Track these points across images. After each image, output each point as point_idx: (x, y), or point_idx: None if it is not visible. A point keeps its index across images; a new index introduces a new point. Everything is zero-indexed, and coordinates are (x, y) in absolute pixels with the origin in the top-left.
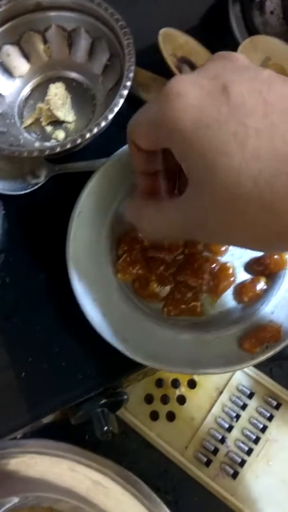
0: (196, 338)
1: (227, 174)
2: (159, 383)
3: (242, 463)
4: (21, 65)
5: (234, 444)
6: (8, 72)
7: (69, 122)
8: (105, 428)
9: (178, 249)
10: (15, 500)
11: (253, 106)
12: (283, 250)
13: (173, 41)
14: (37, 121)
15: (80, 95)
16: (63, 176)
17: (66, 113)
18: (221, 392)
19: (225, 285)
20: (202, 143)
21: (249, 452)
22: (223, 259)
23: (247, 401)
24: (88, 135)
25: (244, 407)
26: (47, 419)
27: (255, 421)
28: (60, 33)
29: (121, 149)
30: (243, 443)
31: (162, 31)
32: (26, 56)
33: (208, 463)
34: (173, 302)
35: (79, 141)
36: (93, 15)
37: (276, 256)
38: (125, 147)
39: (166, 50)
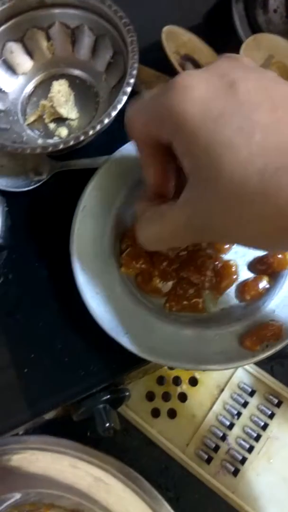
0: (197, 334)
1: (233, 168)
2: (161, 380)
3: (243, 460)
4: (25, 62)
5: (235, 441)
6: (12, 69)
7: (72, 119)
8: (107, 424)
9: None
10: (17, 496)
11: (260, 102)
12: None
13: (177, 39)
14: (40, 118)
15: (83, 92)
16: (66, 173)
17: (69, 110)
18: (222, 390)
19: (228, 282)
20: (209, 136)
21: (250, 449)
22: (226, 257)
23: (248, 398)
24: (91, 132)
25: (245, 404)
26: (49, 415)
27: (256, 418)
28: (63, 30)
29: (124, 146)
30: (244, 440)
31: (166, 28)
32: (30, 53)
33: (209, 460)
34: (175, 298)
35: (82, 138)
36: (97, 12)
37: (279, 256)
38: (129, 144)
39: (169, 47)
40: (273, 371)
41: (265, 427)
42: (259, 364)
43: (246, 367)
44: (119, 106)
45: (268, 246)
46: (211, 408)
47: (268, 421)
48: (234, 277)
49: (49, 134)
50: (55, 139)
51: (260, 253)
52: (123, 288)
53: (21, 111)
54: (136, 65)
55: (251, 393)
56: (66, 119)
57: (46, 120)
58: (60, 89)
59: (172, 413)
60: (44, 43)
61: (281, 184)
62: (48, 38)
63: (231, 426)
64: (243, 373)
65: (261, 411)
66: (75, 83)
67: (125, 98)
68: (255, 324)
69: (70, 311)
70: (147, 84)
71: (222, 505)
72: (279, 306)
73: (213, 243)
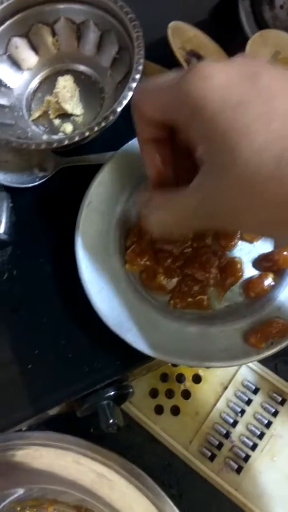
0: (202, 331)
1: (249, 154)
2: (164, 377)
3: (247, 458)
4: (30, 58)
5: (239, 439)
6: (17, 65)
7: (77, 115)
8: (111, 420)
9: (186, 242)
10: (20, 491)
11: (279, 90)
12: None
13: (182, 35)
14: (45, 114)
15: (89, 88)
16: (71, 169)
17: (74, 106)
18: (226, 387)
19: (233, 280)
20: (227, 123)
21: (254, 447)
22: (231, 254)
23: (252, 396)
24: (96, 128)
25: (249, 402)
26: (52, 411)
27: (259, 416)
28: (69, 25)
29: (130, 142)
30: (247, 438)
31: (172, 24)
32: (35, 48)
33: (212, 457)
34: (180, 295)
35: (87, 134)
36: (103, 7)
37: (285, 253)
38: (134, 140)
39: (175, 43)
40: (277, 369)
41: (268, 425)
42: (263, 361)
43: (250, 364)
44: (125, 102)
45: (278, 234)
46: (214, 405)
47: (272, 419)
48: (239, 274)
49: (54, 130)
50: (60, 135)
51: (265, 250)
52: (127, 285)
53: (26, 106)
54: (142, 60)
55: (255, 391)
56: (71, 115)
57: (51, 116)
58: (66, 85)
59: (175, 410)
60: (49, 39)
61: None
62: (53, 34)
63: (234, 424)
64: (247, 370)
65: (265, 409)
66: (80, 79)
67: (130, 93)
68: (260, 321)
69: (74, 308)
70: None
71: (225, 502)
72: (285, 303)
73: (218, 239)
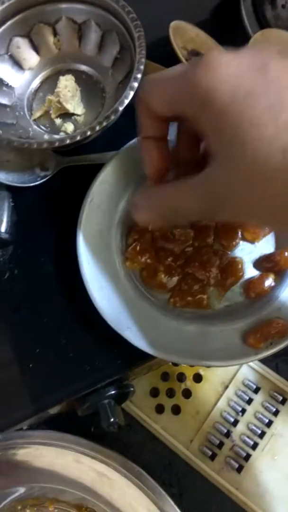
0: (201, 330)
1: (258, 145)
2: (165, 376)
3: (247, 457)
4: (31, 57)
5: (240, 438)
6: (18, 64)
7: (78, 115)
8: (111, 419)
9: (187, 241)
10: (21, 490)
11: None
12: None
13: (184, 34)
14: (46, 113)
15: (90, 88)
16: (72, 168)
17: (76, 106)
18: (227, 387)
19: (233, 280)
20: (237, 114)
21: (254, 446)
22: (232, 254)
23: (253, 395)
24: (97, 128)
25: (249, 401)
26: (53, 410)
27: (260, 415)
28: (70, 25)
29: (131, 142)
30: (248, 437)
31: (173, 24)
32: (36, 48)
33: (213, 456)
34: (180, 294)
35: (89, 133)
36: (104, 7)
37: (286, 254)
38: (136, 140)
39: (176, 43)
40: (278, 369)
41: (269, 424)
42: (264, 361)
43: (251, 364)
44: (126, 102)
45: (282, 223)
46: (215, 404)
47: (273, 418)
48: (240, 274)
49: (56, 129)
50: (62, 135)
51: (267, 251)
52: (128, 283)
53: (27, 106)
54: (143, 60)
55: (256, 390)
56: (72, 114)
57: (53, 116)
58: (67, 84)
59: (176, 409)
60: (50, 38)
61: None
62: (55, 33)
63: (235, 423)
64: (248, 370)
65: (266, 408)
66: (81, 79)
67: (132, 93)
68: (259, 322)
69: (75, 306)
70: None
71: (226, 501)
72: (285, 304)
73: (219, 239)
